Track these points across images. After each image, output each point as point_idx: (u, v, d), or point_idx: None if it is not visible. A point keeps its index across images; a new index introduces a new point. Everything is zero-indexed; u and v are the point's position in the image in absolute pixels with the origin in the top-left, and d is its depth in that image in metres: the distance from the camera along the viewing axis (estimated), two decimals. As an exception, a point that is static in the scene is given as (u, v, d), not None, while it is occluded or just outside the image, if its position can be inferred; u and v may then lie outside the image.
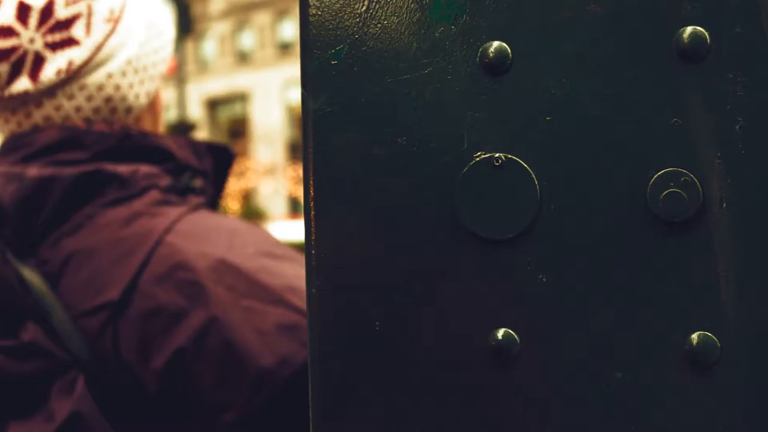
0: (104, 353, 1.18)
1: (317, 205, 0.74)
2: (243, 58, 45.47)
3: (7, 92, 1.33)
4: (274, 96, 43.52)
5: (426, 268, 0.72)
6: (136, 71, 1.39)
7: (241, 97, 45.25)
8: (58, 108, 1.35)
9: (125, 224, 1.25)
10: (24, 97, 1.34)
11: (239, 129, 44.12)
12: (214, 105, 46.46)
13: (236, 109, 46.11)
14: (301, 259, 1.31)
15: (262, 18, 43.75)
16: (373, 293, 0.73)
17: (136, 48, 1.39)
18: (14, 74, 1.32)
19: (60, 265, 1.23)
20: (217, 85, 45.49)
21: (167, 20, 1.49)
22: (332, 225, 0.74)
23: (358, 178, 0.73)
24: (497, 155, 0.70)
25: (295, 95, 43.37)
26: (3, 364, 1.15)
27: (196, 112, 43.21)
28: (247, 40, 45.61)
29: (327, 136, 0.74)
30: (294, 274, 1.25)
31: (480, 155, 0.71)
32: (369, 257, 0.73)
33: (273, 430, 1.17)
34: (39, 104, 1.35)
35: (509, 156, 0.70)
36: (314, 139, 0.74)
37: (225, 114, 46.52)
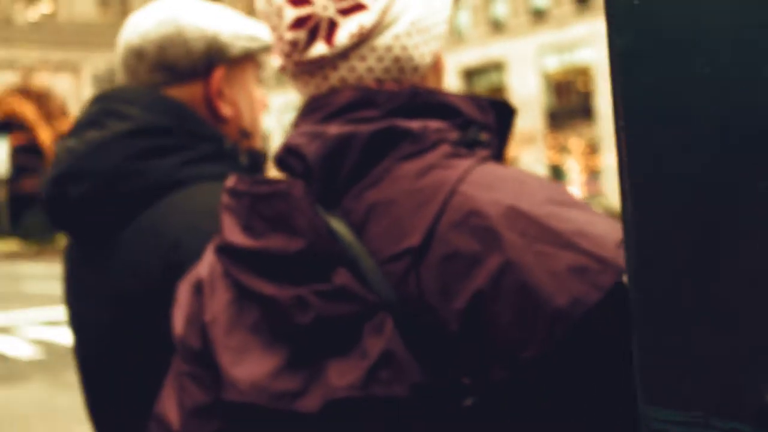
0: (409, 296, 1.26)
1: (628, 129, 0.78)
2: (497, 27, 45.40)
3: (305, 56, 1.45)
4: (529, 64, 43.17)
5: (732, 182, 0.74)
6: (419, 32, 1.47)
7: (497, 66, 45.24)
8: (352, 70, 1.45)
9: (420, 176, 1.33)
10: (321, 61, 1.45)
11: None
12: (470, 75, 46.76)
13: (492, 78, 46.16)
14: (588, 207, 1.33)
15: (516, -15, 43.55)
16: (688, 211, 0.76)
17: (418, 10, 1.46)
18: (311, 40, 1.43)
19: (363, 215, 1.33)
20: (473, 54, 45.69)
21: None
22: (642, 150, 0.78)
23: (665, 107, 0.76)
24: (804, 79, 0.71)
25: (551, 62, 42.84)
26: (321, 307, 1.25)
27: (453, 82, 43.62)
28: (500, 8, 45.47)
29: (632, 73, 0.78)
30: (582, 219, 1.27)
31: (785, 80, 0.72)
32: (679, 177, 0.76)
33: (567, 368, 1.21)
34: (334, 67, 1.45)
35: (818, 80, 0.71)
36: (622, 76, 0.78)
37: (482, 83, 46.67)
